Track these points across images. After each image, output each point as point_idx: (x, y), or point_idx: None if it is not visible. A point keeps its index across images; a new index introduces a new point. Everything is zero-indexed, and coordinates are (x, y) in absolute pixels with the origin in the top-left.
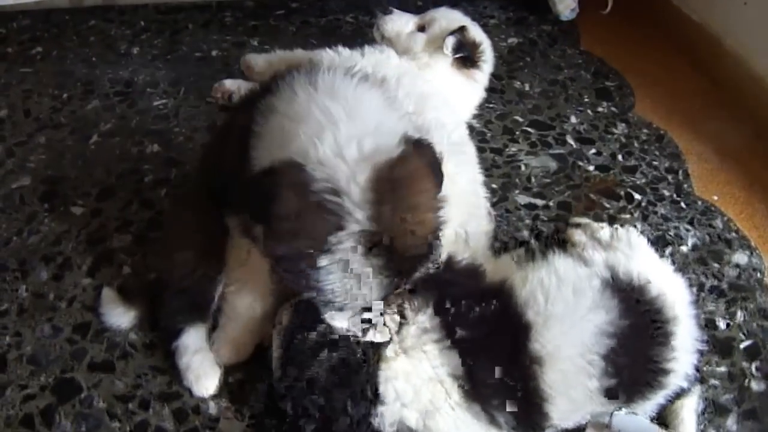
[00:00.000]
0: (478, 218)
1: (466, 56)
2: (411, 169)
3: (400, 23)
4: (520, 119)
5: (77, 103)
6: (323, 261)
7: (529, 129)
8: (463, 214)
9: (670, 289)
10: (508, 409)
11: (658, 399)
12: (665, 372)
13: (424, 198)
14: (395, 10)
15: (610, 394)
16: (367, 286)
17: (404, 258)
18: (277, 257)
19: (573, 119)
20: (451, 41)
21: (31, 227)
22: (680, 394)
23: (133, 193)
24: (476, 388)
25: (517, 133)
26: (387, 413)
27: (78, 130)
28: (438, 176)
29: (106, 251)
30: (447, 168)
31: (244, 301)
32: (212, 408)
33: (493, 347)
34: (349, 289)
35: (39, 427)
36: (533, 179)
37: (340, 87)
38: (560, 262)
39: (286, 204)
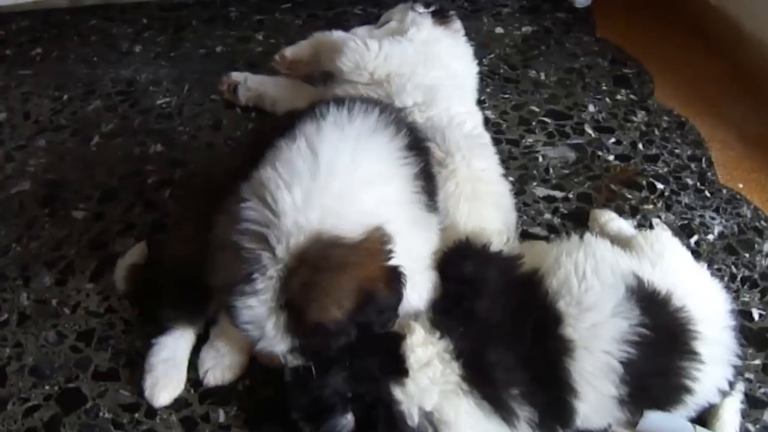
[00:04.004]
0: (509, 213)
1: (436, 9)
2: (347, 260)
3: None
4: (537, 109)
5: (78, 104)
6: (235, 301)
7: (546, 119)
8: (499, 212)
9: (700, 300)
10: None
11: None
12: (686, 389)
13: (338, 294)
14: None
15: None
16: (274, 338)
17: (310, 328)
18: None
19: (591, 108)
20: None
21: (32, 233)
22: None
23: (136, 195)
24: (496, 377)
25: (534, 123)
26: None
27: (79, 132)
28: (394, 286)
29: (109, 255)
30: (473, 165)
31: None
32: (221, 416)
33: (519, 335)
34: (257, 336)
35: None
36: (551, 170)
37: (340, 142)
38: (598, 243)
39: (219, 234)
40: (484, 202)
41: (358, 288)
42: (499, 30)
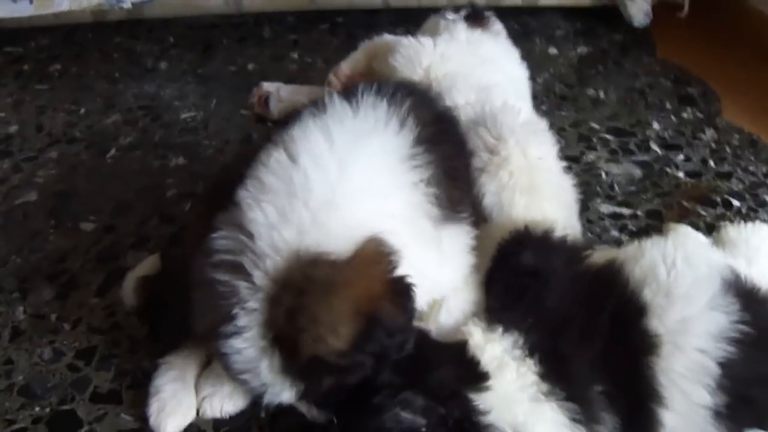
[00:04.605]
0: (571, 211)
1: (469, 13)
2: (335, 279)
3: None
4: (597, 126)
5: (95, 117)
6: (221, 347)
7: (608, 136)
8: (561, 208)
9: None
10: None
11: None
12: None
13: (331, 320)
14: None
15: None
16: (274, 384)
17: (307, 365)
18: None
19: (656, 125)
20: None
21: (34, 244)
22: None
23: (153, 208)
24: (577, 372)
25: (595, 140)
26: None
27: (94, 145)
28: (400, 302)
29: (119, 269)
30: (529, 153)
31: None
32: None
33: (596, 328)
34: (258, 385)
35: None
36: (616, 187)
37: (326, 147)
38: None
39: (194, 273)
40: (543, 195)
41: (356, 310)
42: (552, 51)
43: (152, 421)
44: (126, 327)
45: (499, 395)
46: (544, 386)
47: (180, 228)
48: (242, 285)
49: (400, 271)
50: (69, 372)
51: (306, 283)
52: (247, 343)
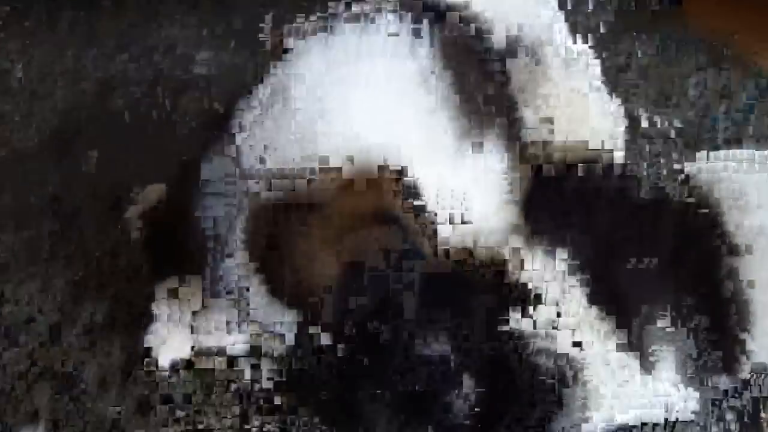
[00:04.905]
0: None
1: None
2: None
3: None
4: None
5: (102, 59)
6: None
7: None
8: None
9: None
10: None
11: None
12: None
13: (309, 245)
14: None
15: None
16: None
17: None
18: None
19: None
20: None
21: (33, 182)
22: None
23: (161, 145)
24: (633, 296)
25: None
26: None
27: (102, 85)
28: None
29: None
30: (572, 75)
31: None
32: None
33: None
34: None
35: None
36: (657, 135)
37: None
38: None
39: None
40: (586, 122)
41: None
42: None
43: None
44: (127, 256)
45: (546, 317)
46: (595, 312)
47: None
48: (227, 209)
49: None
50: (62, 302)
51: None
52: (234, 270)
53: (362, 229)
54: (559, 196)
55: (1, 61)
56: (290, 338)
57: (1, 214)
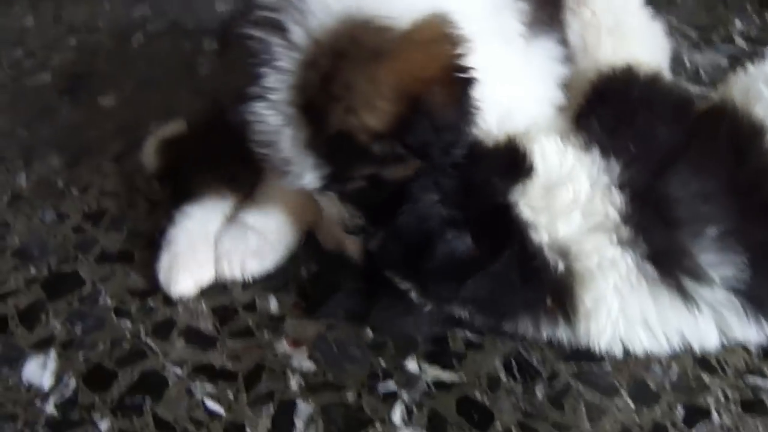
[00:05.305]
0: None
1: None
2: (385, 46)
3: None
4: (674, 22)
5: (120, 10)
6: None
7: (688, 29)
8: (653, 54)
9: None
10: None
11: None
12: None
13: (370, 91)
14: None
15: None
16: (296, 161)
17: (335, 140)
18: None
19: (738, 24)
20: None
21: (44, 117)
22: None
23: (183, 84)
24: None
25: (674, 34)
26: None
27: (118, 33)
28: (456, 93)
29: (140, 139)
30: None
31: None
32: (273, 305)
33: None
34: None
35: (13, 329)
36: (702, 73)
37: None
38: None
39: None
40: (632, 37)
41: (400, 86)
42: None
43: (162, 277)
44: (144, 190)
45: (552, 206)
46: (625, 231)
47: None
48: (276, 41)
49: (464, 60)
50: (73, 234)
51: (350, 46)
52: (272, 109)
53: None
54: (622, 103)
55: (13, 17)
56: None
57: (13, 147)
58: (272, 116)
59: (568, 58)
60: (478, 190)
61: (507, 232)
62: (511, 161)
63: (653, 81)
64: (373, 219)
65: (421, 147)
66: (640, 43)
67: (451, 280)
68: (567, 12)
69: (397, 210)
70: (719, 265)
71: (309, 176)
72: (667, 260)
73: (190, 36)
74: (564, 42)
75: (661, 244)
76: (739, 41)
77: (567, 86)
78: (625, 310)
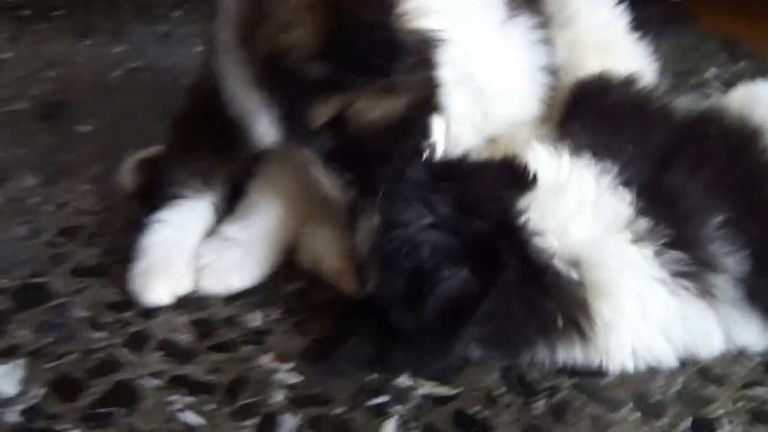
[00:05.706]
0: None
1: None
2: None
3: None
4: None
5: (101, 47)
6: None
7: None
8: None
9: None
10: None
11: None
12: None
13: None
14: None
15: None
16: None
17: (269, 65)
18: None
19: (713, 70)
20: None
21: (20, 142)
22: None
23: (163, 114)
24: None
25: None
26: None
27: (98, 67)
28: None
29: (118, 163)
30: (600, 9)
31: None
32: (258, 319)
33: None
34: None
35: None
36: None
37: None
38: None
39: None
40: (618, 55)
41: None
42: None
43: (134, 284)
44: (122, 209)
45: (560, 212)
46: (643, 223)
47: None
48: None
49: None
50: (47, 248)
51: None
52: (224, 53)
53: None
54: (604, 107)
55: None
56: None
57: None
58: (225, 61)
59: (548, 41)
60: (479, 206)
61: (509, 251)
62: (513, 172)
63: (628, 83)
64: (361, 187)
65: (357, 56)
66: (627, 62)
67: (452, 324)
68: (552, 29)
69: (383, 171)
70: (728, 255)
71: (266, 125)
72: (685, 249)
73: (170, 71)
74: (543, 24)
75: (678, 233)
76: (715, 85)
77: (550, 99)
78: (646, 315)
